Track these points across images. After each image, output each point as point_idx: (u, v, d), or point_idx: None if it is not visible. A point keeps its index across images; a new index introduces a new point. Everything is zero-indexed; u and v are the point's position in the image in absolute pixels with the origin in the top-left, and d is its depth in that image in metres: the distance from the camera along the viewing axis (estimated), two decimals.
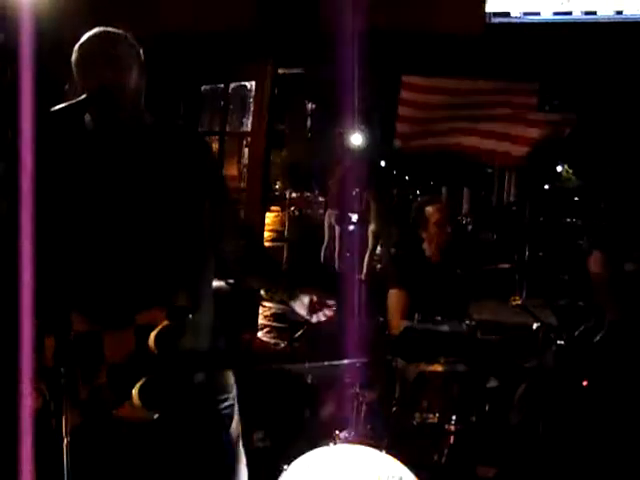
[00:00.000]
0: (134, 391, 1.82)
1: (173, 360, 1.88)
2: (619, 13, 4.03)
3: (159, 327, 1.84)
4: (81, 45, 1.96)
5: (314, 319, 2.26)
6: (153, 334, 1.83)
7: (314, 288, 2.29)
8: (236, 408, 2.49)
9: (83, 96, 1.84)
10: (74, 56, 1.96)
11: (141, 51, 2.03)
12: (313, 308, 2.24)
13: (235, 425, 2.50)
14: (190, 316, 1.89)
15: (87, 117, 2.00)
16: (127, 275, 1.94)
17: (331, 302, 2.30)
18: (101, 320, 1.86)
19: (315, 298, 2.24)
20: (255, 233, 3.91)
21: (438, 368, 2.93)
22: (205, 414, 2.15)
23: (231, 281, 2.99)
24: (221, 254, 2.19)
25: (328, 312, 2.27)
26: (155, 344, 1.83)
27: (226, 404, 2.43)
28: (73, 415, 1.72)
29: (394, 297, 3.65)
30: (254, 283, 2.63)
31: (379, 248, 9.28)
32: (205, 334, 2.09)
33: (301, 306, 2.25)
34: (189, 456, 2.05)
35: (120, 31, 2.01)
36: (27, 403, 1.83)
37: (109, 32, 1.98)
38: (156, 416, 1.86)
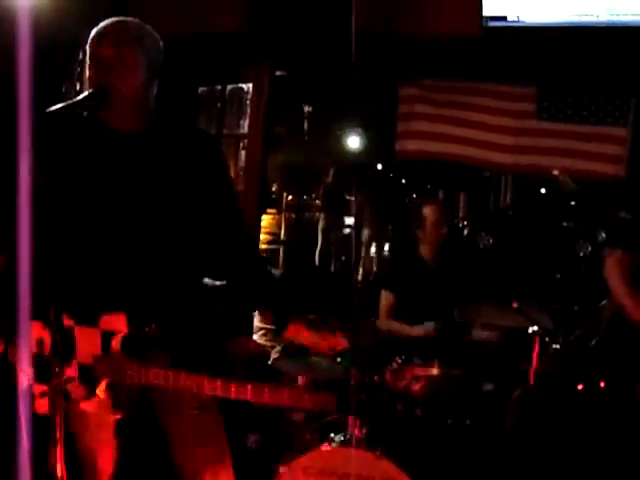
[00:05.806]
0: (100, 388, 1.83)
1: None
2: (616, 16, 4.03)
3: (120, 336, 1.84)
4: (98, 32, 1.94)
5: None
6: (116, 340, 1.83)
7: (310, 319, 2.17)
8: None
9: (86, 93, 1.83)
10: (91, 45, 1.93)
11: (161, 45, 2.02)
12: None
13: None
14: (153, 325, 1.89)
15: (90, 115, 1.97)
16: (109, 271, 1.94)
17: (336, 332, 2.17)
18: (75, 314, 1.86)
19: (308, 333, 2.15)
20: (254, 243, 3.83)
21: (433, 372, 2.94)
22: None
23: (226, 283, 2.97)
24: (217, 257, 2.17)
25: (338, 342, 2.18)
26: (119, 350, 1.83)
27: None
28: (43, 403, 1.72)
29: (383, 298, 3.77)
30: (243, 294, 2.39)
31: (373, 251, 9.27)
32: (193, 336, 2.08)
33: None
34: None
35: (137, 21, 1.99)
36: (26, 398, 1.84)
37: (126, 21, 1.99)
38: (121, 415, 1.87)
